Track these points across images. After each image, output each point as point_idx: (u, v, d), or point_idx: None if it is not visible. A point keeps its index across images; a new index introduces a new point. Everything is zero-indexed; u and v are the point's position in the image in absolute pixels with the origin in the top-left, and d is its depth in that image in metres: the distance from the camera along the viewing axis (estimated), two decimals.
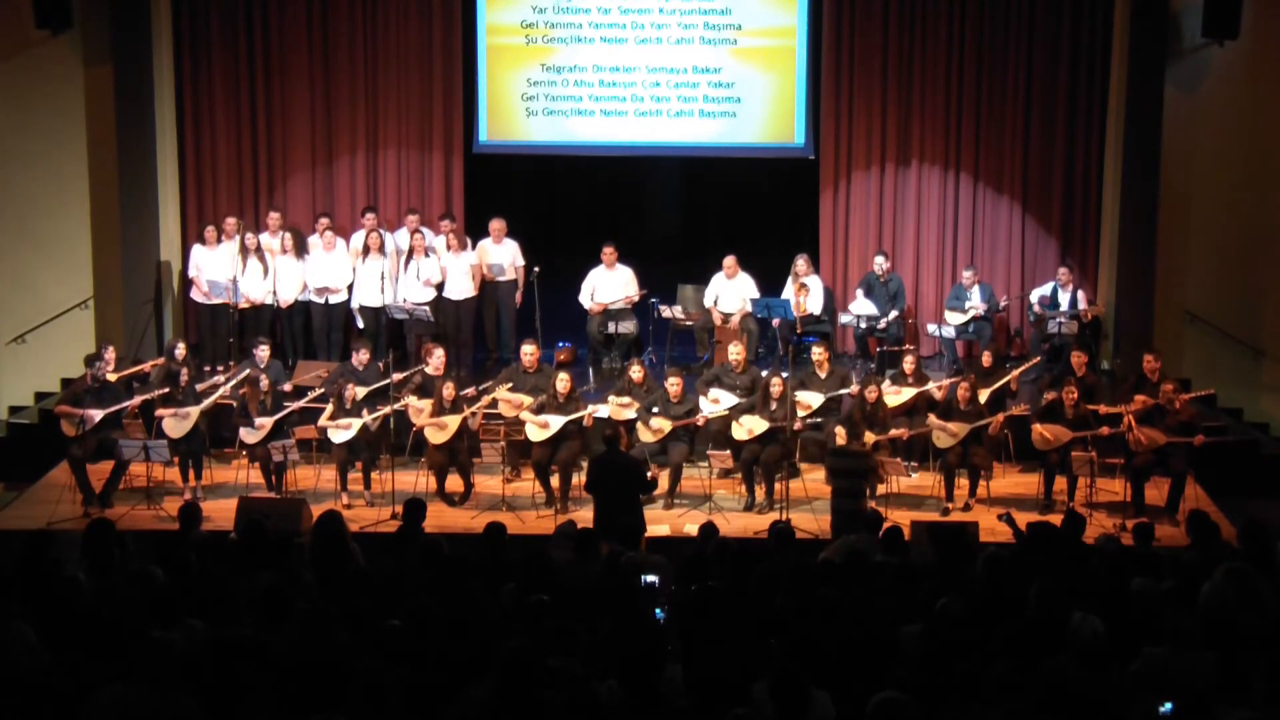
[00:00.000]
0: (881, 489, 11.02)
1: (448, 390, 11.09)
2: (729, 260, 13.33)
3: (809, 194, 14.23)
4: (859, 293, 13.49)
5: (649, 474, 10.19)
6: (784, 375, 11.37)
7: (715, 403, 11.32)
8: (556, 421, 11.01)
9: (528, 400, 11.30)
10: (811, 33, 13.98)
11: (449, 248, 13.32)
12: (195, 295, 13.44)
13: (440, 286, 13.25)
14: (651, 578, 7.62)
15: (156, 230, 13.83)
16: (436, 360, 11.73)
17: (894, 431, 11.06)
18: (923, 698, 5.54)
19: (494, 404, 11.35)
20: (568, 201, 15.11)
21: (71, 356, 12.34)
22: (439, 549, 7.74)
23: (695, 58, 14.09)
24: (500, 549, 8.08)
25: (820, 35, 13.94)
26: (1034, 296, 13.45)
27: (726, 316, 13.28)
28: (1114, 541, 8.76)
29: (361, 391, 11.24)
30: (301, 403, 11.34)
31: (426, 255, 13.17)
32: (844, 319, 13.52)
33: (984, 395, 11.41)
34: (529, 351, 11.68)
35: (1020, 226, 14.04)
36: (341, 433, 11.02)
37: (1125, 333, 13.42)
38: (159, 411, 11.14)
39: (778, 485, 10.76)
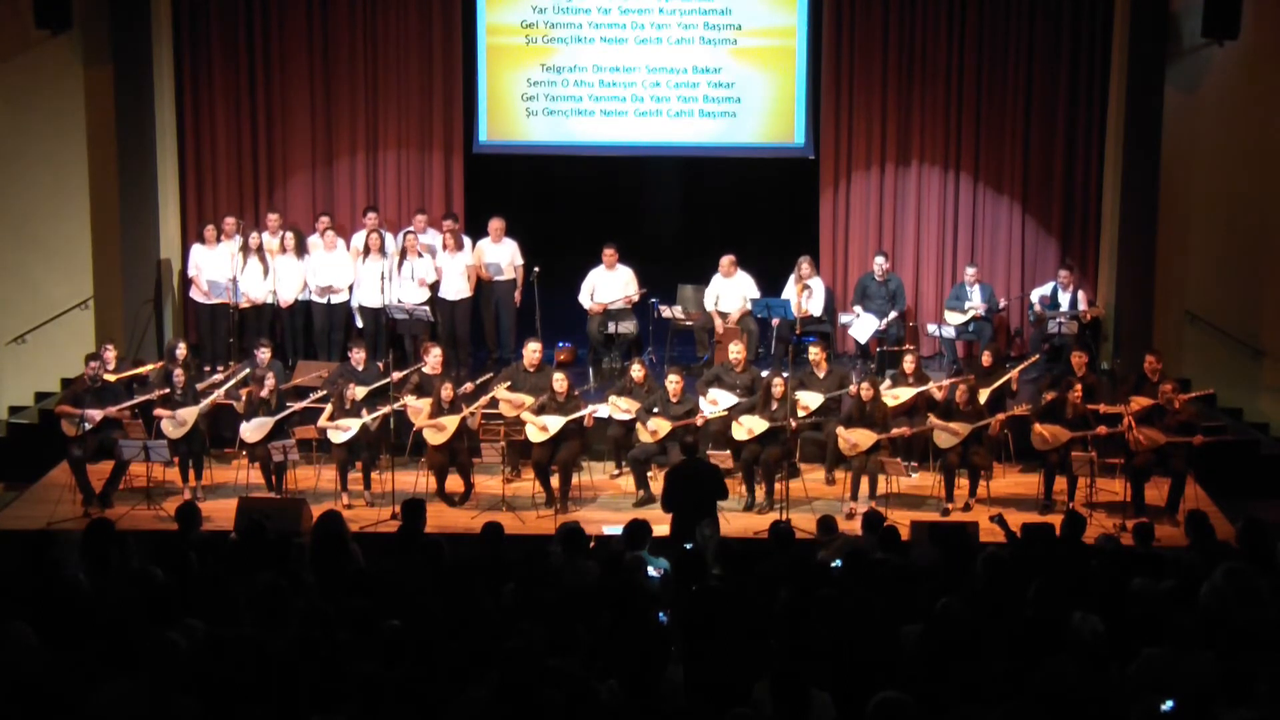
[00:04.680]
0: (881, 489, 11.03)
1: (445, 391, 11.07)
2: (726, 259, 13.32)
3: (809, 194, 14.23)
4: (857, 309, 13.43)
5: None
6: (784, 375, 11.37)
7: (714, 403, 11.32)
8: (556, 423, 11.01)
9: (528, 400, 11.30)
10: (811, 33, 13.98)
11: (445, 247, 13.31)
12: (195, 295, 13.42)
13: (435, 286, 13.24)
14: (655, 572, 7.63)
15: (156, 230, 13.80)
16: (434, 359, 11.72)
17: (894, 431, 11.06)
18: (923, 698, 5.54)
19: (494, 404, 11.35)
20: (568, 201, 15.09)
21: (71, 356, 12.34)
22: (439, 549, 7.74)
23: (695, 58, 14.08)
24: (498, 549, 8.08)
25: (820, 35, 13.94)
26: (1034, 296, 13.45)
27: (726, 316, 13.27)
28: (1114, 541, 8.77)
29: (361, 391, 11.24)
30: (304, 403, 11.34)
31: (420, 256, 13.15)
32: (851, 330, 13.48)
33: (984, 395, 11.41)
34: (534, 349, 11.67)
35: (1020, 226, 14.04)
36: (341, 433, 11.02)
37: (1125, 333, 13.42)
38: (157, 411, 11.14)
39: (778, 485, 10.76)
